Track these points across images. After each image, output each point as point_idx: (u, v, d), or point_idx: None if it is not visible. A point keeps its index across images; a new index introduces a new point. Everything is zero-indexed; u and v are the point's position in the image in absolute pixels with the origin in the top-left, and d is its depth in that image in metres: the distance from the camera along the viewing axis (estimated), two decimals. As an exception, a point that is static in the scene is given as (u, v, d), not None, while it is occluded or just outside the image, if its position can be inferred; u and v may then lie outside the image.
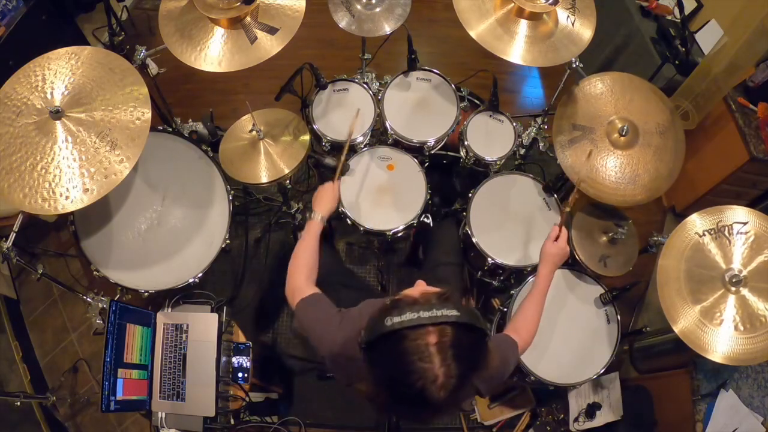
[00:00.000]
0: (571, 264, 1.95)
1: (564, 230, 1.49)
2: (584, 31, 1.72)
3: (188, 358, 1.80)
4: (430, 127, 2.02)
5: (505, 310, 1.85)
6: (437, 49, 3.14)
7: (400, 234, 1.91)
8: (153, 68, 2.01)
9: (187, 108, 2.55)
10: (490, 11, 1.70)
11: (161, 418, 1.78)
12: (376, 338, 0.88)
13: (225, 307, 1.88)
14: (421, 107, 2.07)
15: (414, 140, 1.99)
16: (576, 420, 2.15)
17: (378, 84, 2.27)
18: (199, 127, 2.32)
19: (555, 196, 1.98)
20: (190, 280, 1.87)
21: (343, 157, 1.72)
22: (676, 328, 1.46)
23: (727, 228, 1.53)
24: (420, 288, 1.00)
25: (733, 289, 1.48)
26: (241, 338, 1.93)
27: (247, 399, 1.84)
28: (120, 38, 2.03)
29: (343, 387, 1.23)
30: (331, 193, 1.58)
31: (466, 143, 2.03)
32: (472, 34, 1.67)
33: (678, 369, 2.15)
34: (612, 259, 1.87)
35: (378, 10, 1.93)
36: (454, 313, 0.86)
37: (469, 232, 1.90)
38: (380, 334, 0.87)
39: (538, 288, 1.42)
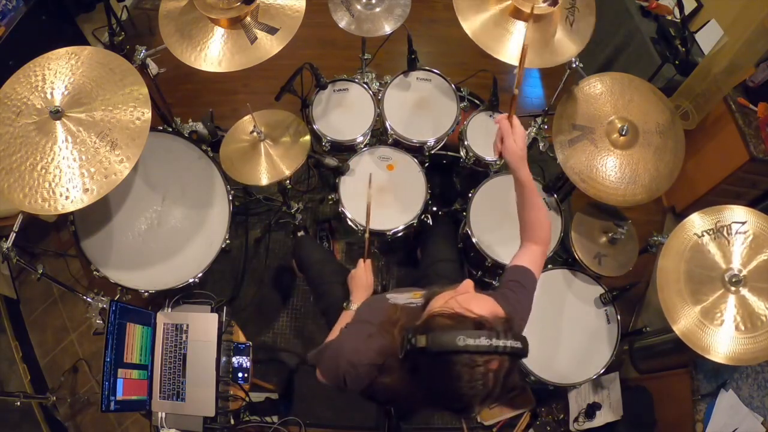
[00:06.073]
0: (571, 263, 1.95)
1: (516, 119, 1.32)
2: (584, 31, 1.72)
3: (188, 358, 1.80)
4: (430, 127, 2.02)
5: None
6: (437, 49, 3.14)
7: (400, 234, 1.91)
8: (153, 68, 2.01)
9: (187, 108, 2.54)
10: (490, 12, 1.70)
11: (161, 418, 1.78)
12: (441, 352, 0.85)
13: (225, 307, 1.88)
14: (421, 107, 2.07)
15: (414, 140, 1.99)
16: (576, 420, 2.15)
17: (378, 84, 2.27)
18: (199, 127, 2.31)
19: (555, 195, 1.98)
20: (190, 280, 1.87)
21: (367, 235, 1.66)
22: (677, 329, 1.46)
23: (725, 228, 1.53)
24: (472, 293, 0.99)
25: (733, 289, 1.48)
26: (241, 338, 1.93)
27: (247, 399, 1.84)
28: (120, 38, 2.03)
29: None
30: (365, 279, 1.49)
31: (466, 143, 2.03)
32: (470, 33, 1.67)
33: (678, 369, 2.15)
34: (609, 258, 1.87)
35: (378, 10, 1.93)
36: (519, 345, 0.87)
37: (469, 232, 1.90)
38: (449, 350, 0.84)
39: (528, 189, 1.28)
